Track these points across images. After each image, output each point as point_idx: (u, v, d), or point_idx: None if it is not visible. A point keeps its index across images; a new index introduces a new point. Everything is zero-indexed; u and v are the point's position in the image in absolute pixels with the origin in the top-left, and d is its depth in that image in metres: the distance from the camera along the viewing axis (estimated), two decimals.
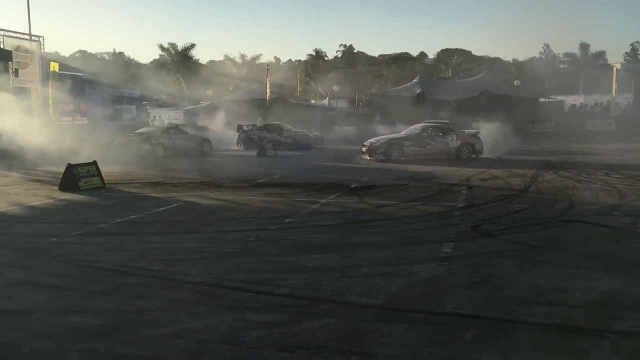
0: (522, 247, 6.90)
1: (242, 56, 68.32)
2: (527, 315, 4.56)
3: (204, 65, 65.77)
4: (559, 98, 47.11)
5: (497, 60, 72.24)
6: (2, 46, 24.97)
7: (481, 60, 69.16)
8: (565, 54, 70.03)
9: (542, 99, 44.41)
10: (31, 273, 6.07)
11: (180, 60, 58.61)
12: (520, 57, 72.75)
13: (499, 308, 4.76)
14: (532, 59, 70.76)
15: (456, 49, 70.98)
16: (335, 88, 48.83)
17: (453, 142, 20.30)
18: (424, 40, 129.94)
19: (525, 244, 7.03)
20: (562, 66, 69.12)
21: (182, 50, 61.79)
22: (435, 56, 75.02)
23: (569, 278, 5.60)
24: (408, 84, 44.70)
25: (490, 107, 36.92)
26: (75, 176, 12.76)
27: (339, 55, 76.45)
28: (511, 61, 71.46)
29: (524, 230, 7.91)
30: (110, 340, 4.19)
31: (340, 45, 78.04)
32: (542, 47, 71.56)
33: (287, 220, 8.91)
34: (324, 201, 10.75)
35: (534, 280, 5.54)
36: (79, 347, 4.08)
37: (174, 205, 10.68)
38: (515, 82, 51.90)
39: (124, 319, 4.66)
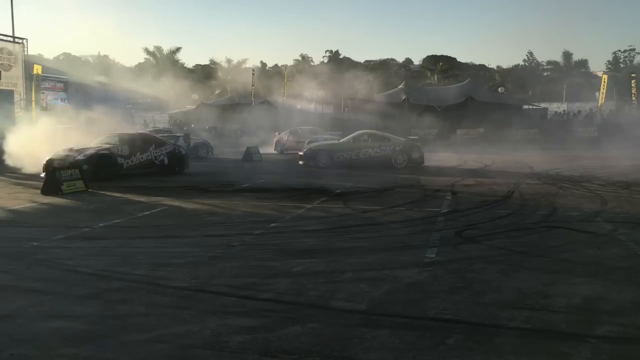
0: (505, 253, 6.96)
1: (228, 60, 68.17)
2: (509, 320, 4.60)
3: (189, 69, 65.57)
4: (543, 105, 47.61)
5: (481, 67, 72.82)
6: None
7: (466, 67, 69.66)
8: (549, 62, 70.71)
9: (525, 106, 44.83)
10: (12, 277, 6.00)
11: (165, 64, 58.39)
12: (505, 65, 73.47)
13: (482, 313, 4.79)
14: (516, 67, 71.46)
15: (442, 56, 71.33)
16: (321, 93, 48.87)
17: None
18: (410, 46, 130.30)
19: (508, 250, 7.09)
20: (545, 74, 69.80)
21: (167, 53, 61.61)
22: (421, 62, 75.37)
23: (550, 283, 5.66)
24: (394, 90, 44.87)
25: (475, 114, 37.29)
26: (57, 179, 12.65)
27: (325, 61, 76.59)
28: (495, 68, 72.11)
29: (507, 235, 7.98)
30: (92, 345, 4.15)
31: (327, 50, 78.10)
32: (526, 55, 72.16)
33: (272, 225, 8.90)
34: (309, 206, 10.76)
35: (516, 285, 5.59)
36: (61, 352, 4.04)
37: (159, 209, 10.62)
38: (500, 89, 52.48)
39: (106, 324, 4.62)
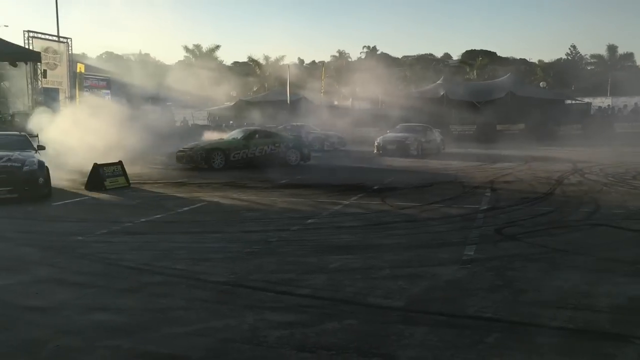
0: (547, 251, 6.82)
1: (266, 57, 68.60)
2: (550, 320, 4.51)
3: (228, 66, 66.25)
4: (586, 100, 46.37)
5: (522, 61, 71.41)
6: (31, 48, 25.45)
7: (507, 61, 68.38)
8: (593, 55, 68.83)
9: (568, 101, 43.75)
10: (58, 271, 6.18)
11: (204, 62, 59.12)
12: (547, 59, 71.90)
13: (522, 312, 4.71)
14: (558, 61, 69.83)
15: (481, 50, 70.28)
16: (358, 89, 48.74)
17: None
18: (448, 41, 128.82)
19: (549, 248, 6.94)
20: (589, 67, 68.01)
21: (206, 51, 62.35)
22: (460, 57, 74.42)
23: (594, 282, 5.52)
24: (431, 86, 44.37)
25: (515, 109, 36.55)
26: (101, 176, 12.97)
27: (363, 57, 76.35)
28: (537, 62, 70.62)
29: (548, 233, 7.81)
30: (134, 337, 4.25)
31: (364, 46, 77.90)
32: (569, 49, 70.50)
33: (309, 221, 8.93)
34: (346, 202, 10.76)
35: (558, 284, 5.47)
36: (104, 343, 4.14)
37: (198, 205, 10.78)
38: (542, 84, 51.36)
39: (148, 316, 4.72)
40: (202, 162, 18.18)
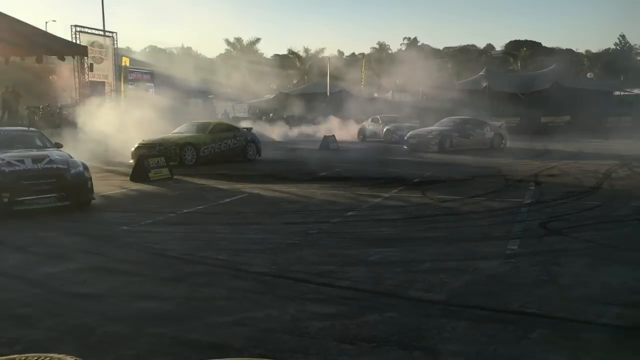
0: (593, 246, 6.64)
1: (306, 50, 68.69)
2: (597, 316, 4.39)
3: (268, 59, 66.67)
4: (635, 91, 44.80)
5: (568, 51, 69.44)
6: (78, 42, 26.10)
7: (552, 52, 66.56)
8: None
9: (617, 92, 42.38)
10: (105, 259, 6.36)
11: (245, 54, 59.66)
12: (594, 49, 69.81)
13: (568, 308, 4.60)
14: (606, 51, 67.66)
15: (525, 41, 68.67)
16: (399, 81, 48.33)
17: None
18: (491, 31, 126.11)
19: (596, 243, 6.76)
20: (639, 58, 65.73)
21: (247, 44, 62.88)
22: (503, 48, 72.92)
23: None
24: (474, 77, 43.58)
25: (560, 101, 35.59)
26: (145, 167, 13.26)
27: (403, 48, 75.60)
28: (584, 53, 68.62)
29: (595, 228, 7.61)
30: (178, 325, 4.34)
31: (404, 37, 77.09)
32: (618, 38, 68.24)
33: (349, 213, 8.93)
34: (386, 195, 10.71)
35: (605, 280, 5.33)
36: (149, 331, 4.24)
37: (239, 196, 10.90)
38: (589, 75, 49.86)
39: (191, 305, 4.81)
40: (175, 157, 16.13)
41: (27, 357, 2.44)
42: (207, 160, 17.29)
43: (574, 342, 3.96)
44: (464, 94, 37.77)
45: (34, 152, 9.94)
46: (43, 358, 2.38)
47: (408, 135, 23.91)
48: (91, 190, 9.86)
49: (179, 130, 18.52)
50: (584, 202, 9.63)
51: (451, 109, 31.28)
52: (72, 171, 9.49)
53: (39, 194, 9.04)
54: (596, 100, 35.28)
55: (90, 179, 9.87)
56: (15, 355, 2.53)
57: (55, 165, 9.41)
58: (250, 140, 19.06)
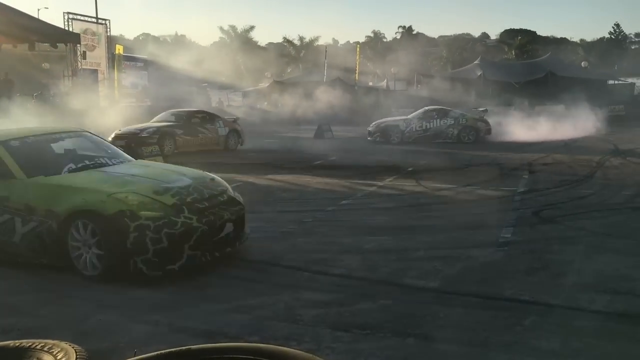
0: (586, 234, 6.68)
1: (301, 38, 68.33)
2: (589, 303, 4.43)
3: (263, 47, 66.30)
4: (630, 80, 44.90)
5: (563, 40, 69.46)
6: (71, 29, 25.86)
7: (546, 41, 66.61)
8: (637, 34, 66.56)
9: (611, 81, 42.47)
10: None
11: (239, 43, 59.29)
12: (588, 38, 69.79)
13: (560, 295, 4.64)
14: (601, 40, 67.65)
15: (520, 29, 68.59)
16: (394, 70, 48.22)
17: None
18: (486, 20, 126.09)
19: (589, 231, 6.80)
20: (633, 47, 65.79)
21: (241, 32, 62.48)
22: (498, 37, 72.82)
23: (635, 266, 5.40)
24: (469, 66, 43.52)
25: (555, 90, 35.64)
26: (139, 155, 13.12)
27: (398, 37, 75.37)
28: (578, 42, 68.62)
29: (588, 216, 7.65)
30: (173, 313, 4.35)
31: (399, 26, 76.77)
32: (612, 27, 68.15)
33: (343, 202, 8.94)
34: (380, 184, 10.72)
35: (598, 267, 5.37)
36: (144, 319, 4.25)
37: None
38: (583, 64, 49.86)
39: (185, 294, 4.82)
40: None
41: (22, 342, 2.45)
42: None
43: (567, 328, 4.00)
44: (459, 82, 37.78)
45: None
46: (37, 344, 2.39)
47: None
48: None
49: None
50: (578, 190, 9.66)
51: (440, 98, 31.22)
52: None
53: None
54: (590, 89, 35.34)
55: None
56: (9, 342, 2.53)
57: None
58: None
